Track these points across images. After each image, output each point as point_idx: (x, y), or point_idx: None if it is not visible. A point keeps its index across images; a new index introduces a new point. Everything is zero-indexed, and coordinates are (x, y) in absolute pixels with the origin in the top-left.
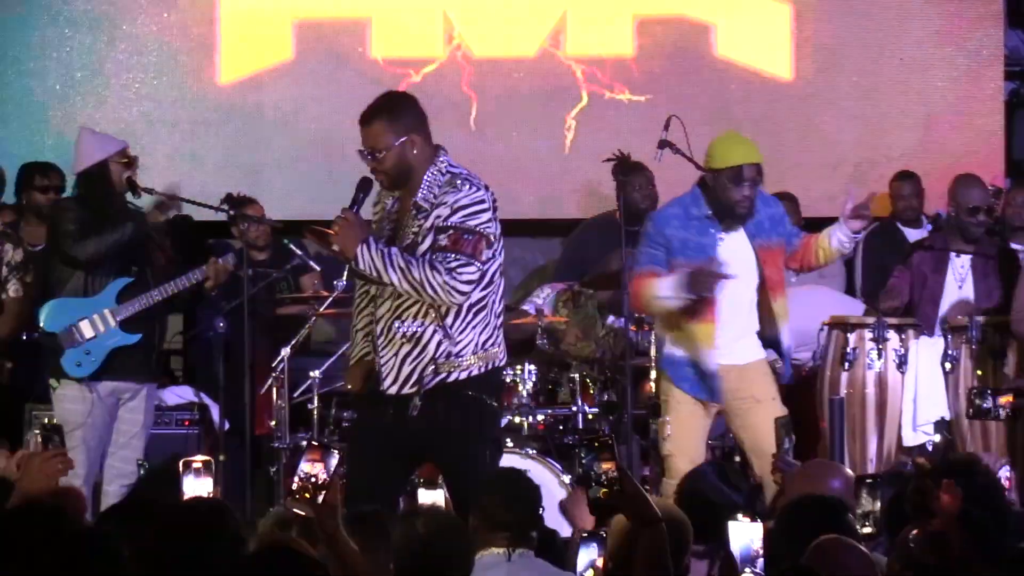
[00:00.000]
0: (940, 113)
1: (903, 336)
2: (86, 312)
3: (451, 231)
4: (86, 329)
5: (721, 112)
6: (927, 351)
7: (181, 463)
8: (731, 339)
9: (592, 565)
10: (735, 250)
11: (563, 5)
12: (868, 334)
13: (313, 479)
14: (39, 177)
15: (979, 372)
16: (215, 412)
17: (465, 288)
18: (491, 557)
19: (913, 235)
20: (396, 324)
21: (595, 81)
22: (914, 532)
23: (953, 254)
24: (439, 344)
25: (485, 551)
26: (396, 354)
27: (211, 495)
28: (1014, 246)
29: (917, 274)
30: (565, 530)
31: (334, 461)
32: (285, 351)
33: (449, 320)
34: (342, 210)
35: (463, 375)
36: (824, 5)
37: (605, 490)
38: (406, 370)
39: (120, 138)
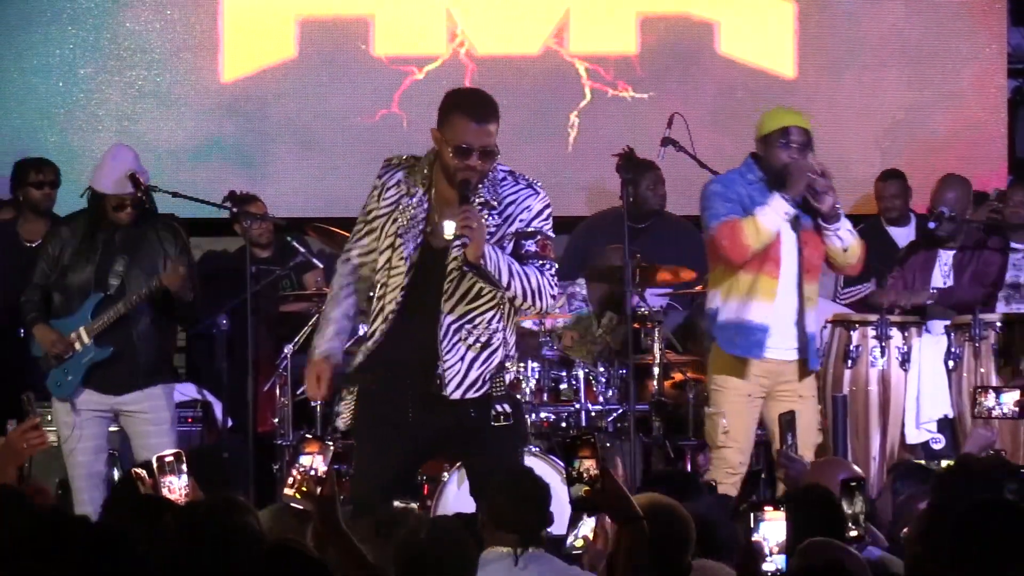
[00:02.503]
0: (943, 111)
1: (906, 334)
2: (65, 332)
3: (539, 236)
4: (67, 350)
5: (724, 110)
6: (930, 349)
7: (154, 460)
8: (785, 321)
9: (584, 536)
10: (784, 219)
11: (566, 2)
12: (871, 331)
13: (311, 473)
14: (33, 173)
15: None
16: (218, 409)
17: (556, 294)
18: (495, 554)
19: (899, 233)
20: (468, 328)
21: (598, 79)
22: (906, 530)
23: (941, 251)
24: (503, 349)
25: (491, 549)
26: (463, 359)
27: (188, 487)
28: (1014, 245)
29: (908, 272)
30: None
31: (331, 455)
32: (288, 348)
33: (510, 325)
34: (466, 207)
35: (511, 377)
36: (827, 3)
37: (587, 488)
38: (473, 375)
39: (124, 177)
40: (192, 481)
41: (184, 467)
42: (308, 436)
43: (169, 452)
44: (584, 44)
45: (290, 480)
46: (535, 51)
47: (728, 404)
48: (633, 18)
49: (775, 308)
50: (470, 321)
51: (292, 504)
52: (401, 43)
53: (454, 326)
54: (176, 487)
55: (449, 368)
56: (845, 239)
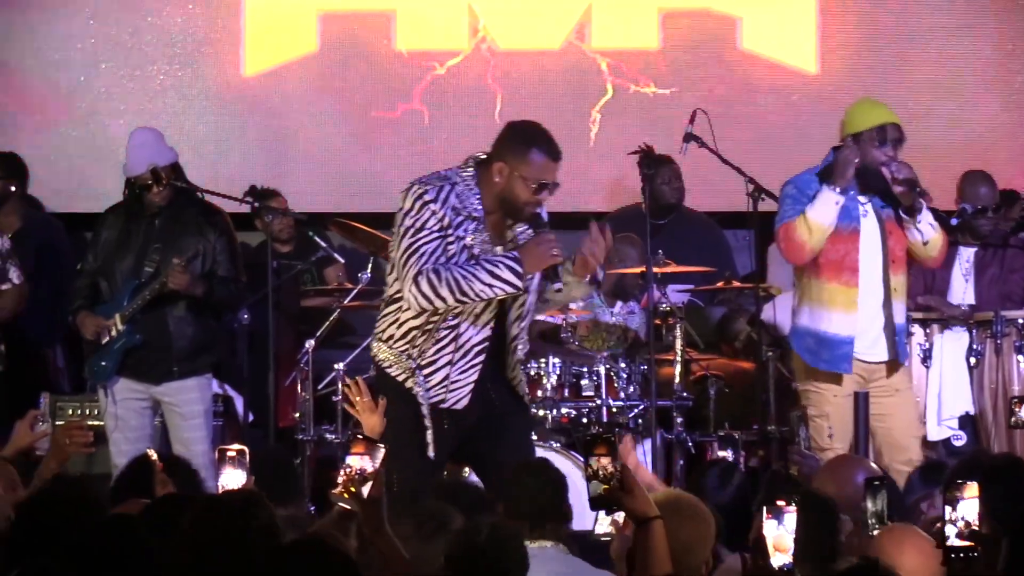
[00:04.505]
0: (966, 107)
1: (928, 330)
2: (107, 319)
3: None
4: (103, 336)
5: (746, 105)
6: (952, 345)
7: (216, 451)
8: (872, 324)
9: (613, 520)
10: (867, 219)
11: None
12: None
13: (358, 473)
14: None
15: None
16: (239, 404)
17: None
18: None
19: None
20: (518, 343)
21: (620, 74)
22: (937, 525)
23: (961, 248)
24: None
25: None
26: (517, 367)
27: (244, 485)
28: None
29: (927, 269)
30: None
31: (380, 455)
32: (309, 343)
33: None
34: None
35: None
36: None
37: (605, 487)
38: (523, 377)
39: (149, 156)
40: (250, 479)
41: (245, 463)
42: (359, 436)
43: (234, 447)
44: (606, 39)
45: (339, 480)
46: (556, 46)
47: (830, 406)
48: (655, 13)
49: (858, 317)
50: (519, 339)
51: (340, 504)
52: (423, 38)
53: (515, 345)
54: (231, 482)
55: (520, 383)
56: (925, 232)
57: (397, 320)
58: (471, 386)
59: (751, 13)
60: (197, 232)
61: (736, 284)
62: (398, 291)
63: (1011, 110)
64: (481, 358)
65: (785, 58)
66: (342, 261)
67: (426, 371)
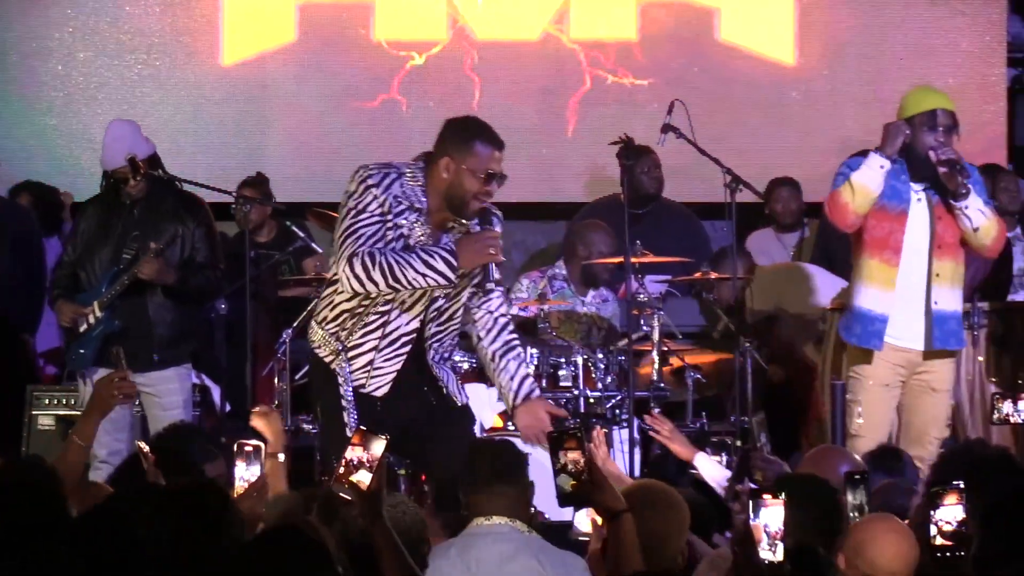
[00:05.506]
0: None
1: None
2: (85, 307)
3: None
4: (81, 323)
5: (724, 96)
6: None
7: (235, 445)
8: (912, 308)
9: (592, 518)
10: (918, 205)
11: None
12: None
13: (358, 463)
14: None
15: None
16: (216, 394)
17: None
18: (475, 528)
19: None
20: (435, 348)
21: (598, 65)
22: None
23: None
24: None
25: (472, 523)
26: (435, 367)
27: (258, 479)
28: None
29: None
30: (562, 514)
31: (380, 446)
32: (287, 333)
33: None
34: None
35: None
36: None
37: (574, 482)
38: (454, 384)
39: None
40: (263, 475)
41: (260, 460)
42: (362, 428)
43: (251, 442)
44: (584, 30)
45: (340, 470)
46: (535, 37)
47: (864, 393)
48: (633, 4)
49: (896, 297)
50: (439, 340)
51: (341, 494)
52: (401, 28)
53: (433, 343)
54: (243, 475)
55: (451, 385)
56: (974, 219)
57: (332, 302)
58: (393, 375)
59: (729, 4)
60: (176, 219)
61: (714, 275)
62: (335, 273)
63: (989, 102)
64: (407, 348)
65: (763, 49)
66: (320, 251)
67: (351, 354)
